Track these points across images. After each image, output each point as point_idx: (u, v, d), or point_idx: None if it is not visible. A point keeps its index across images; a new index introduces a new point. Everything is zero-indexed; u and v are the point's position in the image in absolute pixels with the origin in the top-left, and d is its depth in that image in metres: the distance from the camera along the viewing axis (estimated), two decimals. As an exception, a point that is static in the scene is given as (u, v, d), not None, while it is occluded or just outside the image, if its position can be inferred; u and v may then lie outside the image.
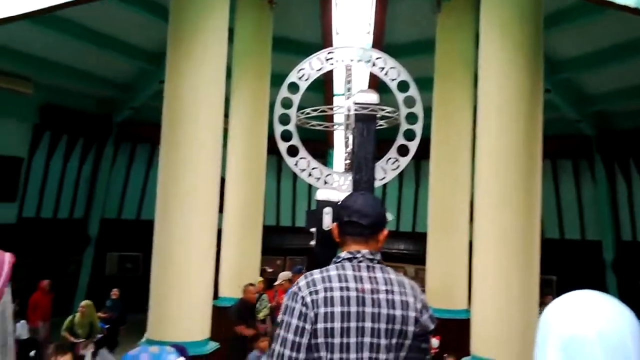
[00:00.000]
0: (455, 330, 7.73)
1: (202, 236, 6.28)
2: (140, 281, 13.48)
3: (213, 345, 6.21)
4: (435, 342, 6.86)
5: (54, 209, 14.01)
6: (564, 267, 12.19)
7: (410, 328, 2.02)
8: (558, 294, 1.41)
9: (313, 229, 7.14)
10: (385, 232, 2.20)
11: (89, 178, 14.65)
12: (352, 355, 2.01)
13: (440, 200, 9.16)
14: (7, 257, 2.09)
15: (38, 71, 11.59)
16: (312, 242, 7.25)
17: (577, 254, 13.09)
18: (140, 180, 15.21)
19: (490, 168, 6.24)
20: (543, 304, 8.66)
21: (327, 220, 6.82)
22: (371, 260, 2.12)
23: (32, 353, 7.73)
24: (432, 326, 2.06)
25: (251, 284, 7.73)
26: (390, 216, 2.48)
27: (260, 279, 8.75)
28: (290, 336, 2.03)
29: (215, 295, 7.63)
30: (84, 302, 9.23)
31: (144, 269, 14.51)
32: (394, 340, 2.00)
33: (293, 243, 14.93)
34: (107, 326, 9.05)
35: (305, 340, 2.04)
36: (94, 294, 11.43)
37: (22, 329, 8.70)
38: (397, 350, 2.01)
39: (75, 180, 14.32)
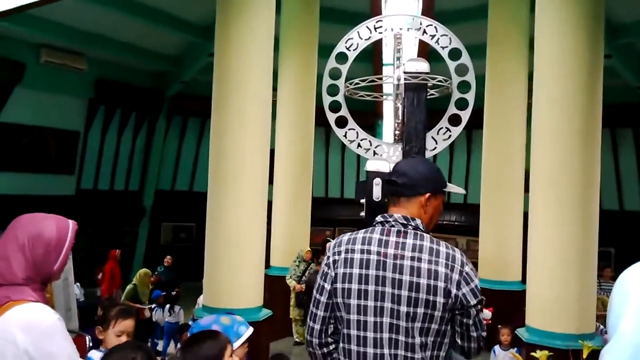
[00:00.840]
0: (508, 302, 7.61)
1: (253, 207, 6.35)
2: (193, 251, 13.87)
3: (266, 313, 6.33)
4: (487, 313, 6.77)
5: (111, 181, 14.49)
6: (622, 239, 11.77)
7: (440, 299, 1.94)
8: (616, 267, 1.35)
9: (363, 200, 7.11)
10: (426, 196, 2.11)
11: (143, 151, 15.03)
12: (370, 319, 1.99)
13: (494, 170, 8.93)
14: (71, 225, 2.14)
15: (91, 47, 11.87)
16: (362, 214, 7.23)
17: (636, 226, 12.60)
18: (192, 153, 15.51)
19: (547, 137, 6.02)
20: (601, 276, 8.44)
21: (377, 191, 6.77)
22: (405, 225, 2.06)
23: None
24: (472, 301, 1.97)
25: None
26: (459, 189, 2.39)
27: (308, 248, 8.82)
28: (316, 294, 2.11)
29: (267, 265, 7.75)
30: (142, 271, 9.65)
31: (197, 239, 14.92)
32: (419, 310, 1.94)
33: (342, 214, 14.98)
34: (163, 293, 9.39)
35: (324, 299, 2.08)
36: (150, 263, 11.82)
37: (79, 294, 9.20)
38: (424, 321, 1.95)
39: (130, 153, 14.73)
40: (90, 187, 14.01)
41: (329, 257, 2.11)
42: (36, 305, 2.01)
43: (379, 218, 2.12)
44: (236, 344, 2.54)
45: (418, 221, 2.08)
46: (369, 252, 2.03)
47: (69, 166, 13.46)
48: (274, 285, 7.75)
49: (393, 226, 2.07)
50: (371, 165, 6.89)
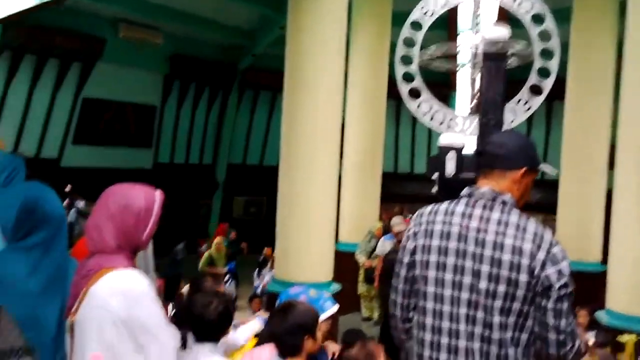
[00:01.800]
0: (587, 284, 7.24)
1: (324, 181, 6.32)
2: (263, 224, 14.13)
3: (336, 287, 6.33)
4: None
5: (186, 155, 14.92)
6: None
7: (523, 277, 1.82)
8: None
9: (435, 176, 6.93)
10: (523, 171, 1.97)
11: (216, 125, 15.34)
12: (447, 292, 1.90)
13: (576, 144, 8.44)
14: (158, 195, 2.18)
15: (167, 21, 12.13)
16: (434, 189, 7.06)
17: None
18: (263, 127, 15.67)
19: (637, 109, 5.60)
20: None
21: (450, 166, 6.58)
22: (493, 199, 1.94)
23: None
24: (556, 283, 1.81)
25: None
26: (551, 169, 2.24)
27: (379, 224, 8.72)
28: (397, 266, 2.06)
29: (336, 240, 7.73)
30: (217, 239, 10.01)
31: (267, 212, 15.17)
32: (500, 288, 1.82)
33: (412, 190, 14.73)
34: (234, 264, 9.69)
35: (404, 272, 2.02)
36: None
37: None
38: (505, 299, 1.83)
39: (204, 127, 15.08)
40: (167, 160, 14.48)
41: (410, 229, 2.05)
42: (128, 272, 2.07)
43: (465, 191, 2.02)
44: (321, 318, 2.55)
45: (507, 196, 1.96)
46: (450, 223, 1.94)
47: (146, 140, 13.96)
48: (342, 261, 7.72)
49: (480, 199, 1.97)
50: (445, 139, 6.70)
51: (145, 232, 2.13)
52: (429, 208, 2.04)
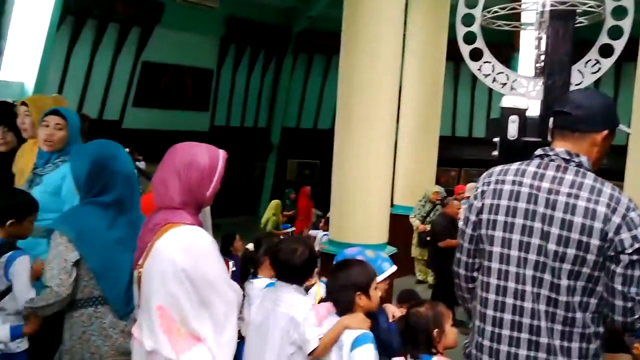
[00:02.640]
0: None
1: (380, 144, 6.24)
2: (317, 187, 14.21)
3: (391, 250, 6.32)
4: None
5: (241, 118, 15.09)
6: None
7: (594, 241, 1.74)
8: None
9: (496, 139, 6.73)
10: (604, 133, 1.88)
11: (271, 88, 15.39)
12: (514, 253, 1.84)
13: (648, 108, 7.99)
14: (221, 154, 2.21)
15: (223, -16, 12.11)
16: (495, 153, 6.87)
17: None
18: (317, 91, 15.60)
19: None
20: None
21: (513, 129, 6.38)
22: (567, 160, 1.85)
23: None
24: (628, 248, 1.72)
25: (456, 199, 7.58)
26: (626, 129, 2.12)
27: (436, 189, 8.61)
28: (461, 224, 2.03)
29: (391, 203, 7.68)
30: (277, 202, 10.16)
31: (321, 175, 15.23)
32: (569, 251, 1.75)
33: (469, 154, 14.44)
34: (289, 226, 9.80)
35: (469, 231, 1.97)
36: (276, 197, 12.28)
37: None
38: (574, 263, 1.76)
39: (259, 91, 15.16)
40: (223, 123, 14.69)
41: (477, 189, 2.00)
42: (192, 228, 2.12)
43: (538, 151, 1.95)
44: (379, 278, 2.55)
45: (584, 158, 1.88)
46: (520, 183, 1.88)
47: (203, 103, 14.18)
48: (396, 224, 7.68)
49: (553, 160, 1.89)
50: (507, 101, 6.47)
51: (209, 190, 2.17)
52: (498, 168, 1.98)
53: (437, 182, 9.50)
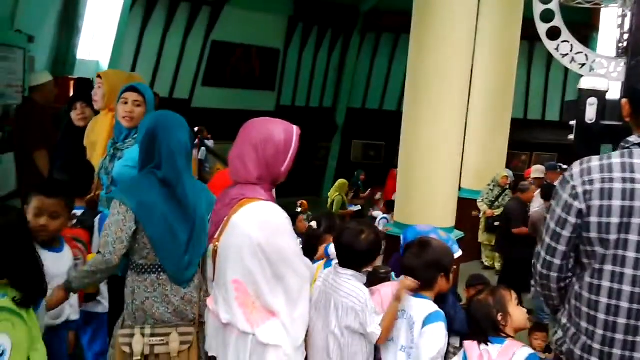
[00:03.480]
0: None
1: (449, 125, 6.09)
2: (381, 169, 14.11)
3: (458, 234, 6.19)
4: None
5: (307, 98, 15.11)
6: None
7: None
8: None
9: (572, 122, 6.45)
10: None
11: (337, 68, 15.31)
12: (631, 254, 1.72)
13: None
14: (295, 129, 2.22)
15: (292, -37, 12.09)
16: (570, 137, 6.58)
17: None
18: (384, 71, 15.40)
19: None
20: None
21: (591, 112, 6.08)
22: None
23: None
24: None
25: (531, 183, 7.37)
26: None
27: (505, 173, 8.35)
28: (552, 225, 1.87)
29: (459, 186, 7.52)
30: (342, 181, 10.19)
31: (386, 157, 15.10)
32: None
33: (541, 138, 13.93)
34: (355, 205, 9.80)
35: (567, 233, 1.84)
36: (340, 177, 12.28)
37: None
38: None
39: (325, 71, 15.12)
40: (289, 103, 14.77)
41: (574, 187, 1.82)
42: (268, 204, 2.15)
43: (634, 139, 1.80)
44: None
45: None
46: (632, 180, 1.73)
47: (270, 83, 14.30)
48: (464, 208, 7.51)
49: None
50: (586, 83, 6.17)
51: (284, 165, 2.19)
52: (596, 163, 1.81)
53: (507, 166, 9.22)
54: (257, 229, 2.08)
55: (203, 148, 10.65)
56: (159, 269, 2.47)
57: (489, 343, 2.24)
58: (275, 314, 2.12)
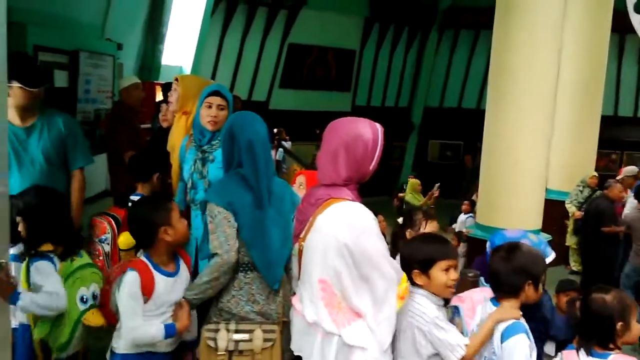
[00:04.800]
0: None
1: (535, 123, 5.83)
2: (458, 169, 13.76)
3: (545, 237, 5.91)
4: None
5: (382, 98, 15.01)
6: None
7: None
8: None
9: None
10: None
11: (414, 67, 15.12)
12: None
13: None
14: (379, 127, 2.18)
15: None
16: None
17: None
18: (463, 68, 15.04)
19: None
20: None
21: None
22: None
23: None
24: None
25: (618, 181, 6.97)
26: None
27: (594, 173, 7.91)
28: None
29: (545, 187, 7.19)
30: (414, 181, 10.05)
31: (464, 157, 14.72)
32: None
33: (633, 136, 13.13)
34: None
35: None
36: (417, 178, 12.07)
37: None
38: None
39: (401, 70, 14.96)
40: (364, 103, 14.73)
41: None
42: (354, 204, 2.12)
43: None
44: None
45: None
46: None
47: (346, 83, 14.32)
48: (550, 210, 7.17)
49: None
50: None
51: (372, 163, 2.15)
52: None
53: (597, 166, 8.73)
54: (343, 229, 2.05)
55: (281, 149, 10.80)
56: (247, 268, 2.49)
57: (590, 357, 2.09)
58: (361, 316, 2.08)
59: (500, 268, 2.25)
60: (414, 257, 2.26)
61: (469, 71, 14.82)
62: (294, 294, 2.35)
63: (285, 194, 2.61)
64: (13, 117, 3.24)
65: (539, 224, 6.03)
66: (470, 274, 2.56)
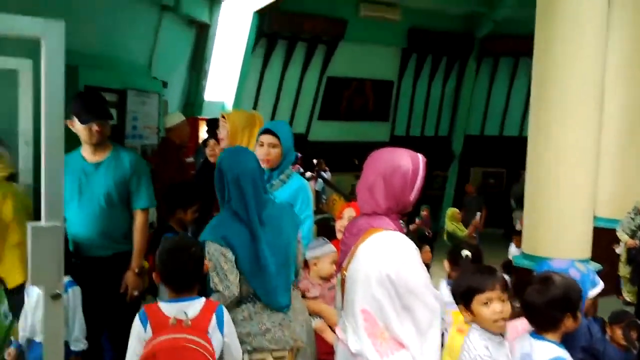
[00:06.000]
0: None
1: (580, 148, 5.70)
2: (502, 197, 13.53)
3: (595, 267, 5.73)
4: None
5: (421, 127, 15.00)
6: None
7: None
8: None
9: None
10: None
11: (452, 96, 15.09)
12: None
13: None
14: (421, 158, 2.21)
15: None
16: None
17: None
18: (503, 96, 14.92)
19: None
20: None
21: None
22: None
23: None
24: None
25: None
26: None
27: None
28: None
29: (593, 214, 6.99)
30: (454, 210, 9.91)
31: (507, 184, 14.48)
32: None
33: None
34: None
35: None
36: (458, 206, 11.91)
37: None
38: None
39: (440, 99, 14.95)
40: (403, 133, 14.73)
41: None
42: (396, 234, 2.13)
43: None
44: (592, 293, 2.31)
45: None
46: None
47: (384, 114, 14.39)
48: (600, 238, 6.95)
49: None
50: None
51: (412, 194, 2.16)
52: None
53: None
54: (384, 260, 2.06)
55: (320, 179, 10.87)
56: (254, 298, 2.52)
57: None
58: (405, 346, 2.07)
59: (536, 301, 2.21)
60: (456, 292, 2.25)
61: (510, 98, 14.69)
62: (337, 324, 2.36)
63: (284, 216, 2.64)
64: (87, 152, 3.34)
65: (587, 253, 5.85)
66: (517, 305, 2.51)
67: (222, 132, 3.79)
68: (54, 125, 1.58)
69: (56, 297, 1.57)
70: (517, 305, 2.51)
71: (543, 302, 2.19)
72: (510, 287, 2.27)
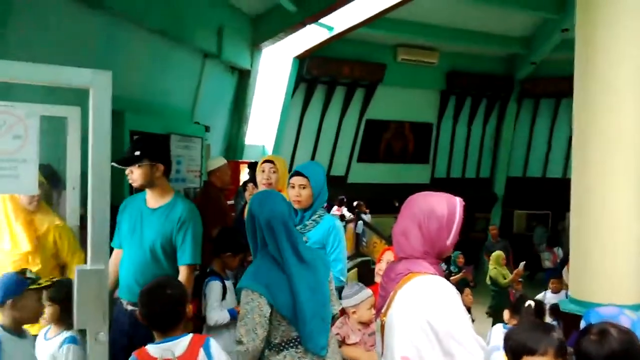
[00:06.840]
0: None
1: (626, 189, 5.53)
2: (549, 240, 13.12)
3: (647, 314, 5.47)
4: None
5: (462, 169, 14.87)
6: None
7: None
8: None
9: None
10: None
11: (493, 137, 14.98)
12: None
13: None
14: (459, 201, 2.18)
15: (443, 40, 12.29)
16: None
17: None
18: (545, 137, 14.74)
19: None
20: None
21: None
22: None
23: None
24: None
25: None
26: None
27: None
28: None
29: None
30: (498, 253, 9.62)
31: (553, 227, 14.11)
32: None
33: None
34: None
35: None
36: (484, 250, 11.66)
37: None
38: None
39: (480, 141, 14.85)
40: (444, 175, 14.63)
41: None
42: (435, 278, 2.09)
43: None
44: None
45: None
46: None
47: (424, 156, 14.36)
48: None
49: None
50: None
51: (449, 238, 2.13)
52: None
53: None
54: (423, 305, 2.02)
55: (360, 222, 10.82)
56: (297, 342, 2.50)
57: None
58: (448, 393, 2.00)
59: (592, 352, 2.12)
60: (506, 343, 2.18)
61: (552, 139, 14.48)
62: None
63: (316, 257, 2.65)
64: (148, 196, 3.26)
65: (637, 298, 5.60)
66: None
67: (272, 177, 3.85)
68: (100, 169, 1.64)
69: (100, 339, 1.60)
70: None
71: (600, 354, 2.11)
72: (567, 349, 2.16)
